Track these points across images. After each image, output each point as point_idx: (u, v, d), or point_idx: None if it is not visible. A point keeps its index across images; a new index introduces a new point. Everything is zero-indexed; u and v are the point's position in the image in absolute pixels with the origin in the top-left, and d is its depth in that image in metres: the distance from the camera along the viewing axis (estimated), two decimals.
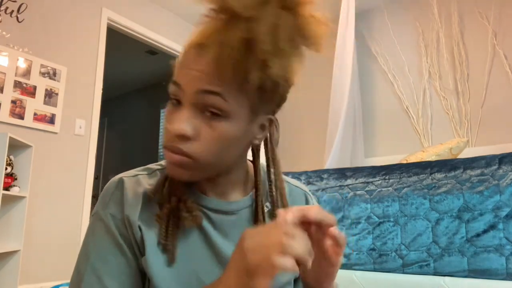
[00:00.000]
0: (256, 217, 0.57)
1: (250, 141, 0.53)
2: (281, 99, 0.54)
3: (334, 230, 0.46)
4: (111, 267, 0.51)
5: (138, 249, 0.52)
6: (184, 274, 0.52)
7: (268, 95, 0.50)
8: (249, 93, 0.47)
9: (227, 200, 0.57)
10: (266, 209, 0.59)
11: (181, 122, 0.47)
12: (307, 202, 0.65)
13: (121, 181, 0.55)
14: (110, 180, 0.57)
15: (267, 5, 0.44)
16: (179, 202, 0.53)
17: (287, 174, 1.82)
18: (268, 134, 0.57)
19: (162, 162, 0.59)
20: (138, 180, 0.56)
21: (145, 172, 0.58)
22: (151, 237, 0.52)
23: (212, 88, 0.46)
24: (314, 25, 0.48)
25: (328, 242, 0.47)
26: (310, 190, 0.69)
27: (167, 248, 0.51)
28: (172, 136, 0.48)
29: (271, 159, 0.58)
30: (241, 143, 0.52)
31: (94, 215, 0.55)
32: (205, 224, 0.55)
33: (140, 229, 0.52)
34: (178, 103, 0.49)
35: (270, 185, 0.58)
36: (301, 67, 0.50)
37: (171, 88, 0.49)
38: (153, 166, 0.60)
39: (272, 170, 0.58)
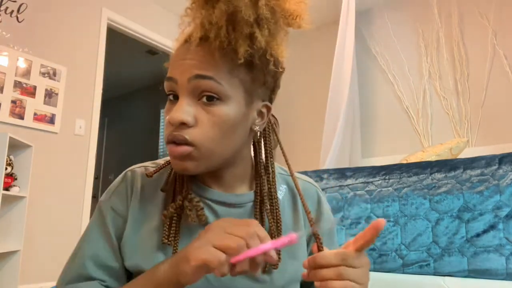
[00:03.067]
0: (258, 212, 0.56)
1: (250, 128, 0.53)
2: (274, 84, 0.54)
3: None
4: (97, 255, 0.55)
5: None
6: None
7: (260, 75, 0.50)
8: (240, 74, 0.49)
9: (232, 193, 0.57)
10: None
11: (179, 111, 0.47)
12: (318, 198, 0.64)
13: (127, 174, 0.59)
14: (124, 172, 0.61)
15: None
16: (184, 200, 0.53)
17: None
18: (269, 125, 0.58)
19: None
20: (143, 172, 0.59)
21: (154, 165, 0.60)
22: (150, 229, 0.54)
23: (204, 72, 0.47)
24: (291, 2, 0.48)
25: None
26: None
27: (169, 245, 0.52)
28: (173, 127, 0.48)
29: (269, 152, 0.57)
30: (241, 127, 0.51)
31: (98, 204, 0.59)
32: (209, 215, 0.55)
33: (134, 221, 0.55)
34: (175, 97, 0.50)
35: (268, 180, 0.57)
36: (287, 47, 0.51)
37: (166, 85, 0.50)
38: (160, 161, 0.62)
39: (269, 164, 0.57)
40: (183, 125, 0.48)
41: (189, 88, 0.48)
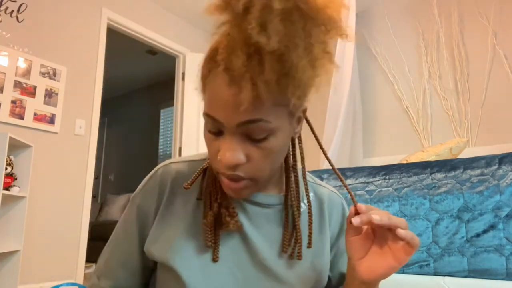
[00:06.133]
0: (286, 215, 0.57)
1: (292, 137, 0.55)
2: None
3: (406, 233, 0.47)
4: (117, 251, 0.60)
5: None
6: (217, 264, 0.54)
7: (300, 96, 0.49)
8: (283, 100, 0.47)
9: (263, 193, 0.58)
10: (302, 208, 0.60)
11: (232, 152, 0.47)
12: (343, 210, 0.66)
13: (157, 171, 0.60)
14: (155, 168, 0.62)
15: (293, 28, 0.41)
16: (220, 208, 0.54)
17: None
18: (307, 123, 0.59)
19: (201, 154, 0.64)
20: (174, 169, 0.60)
21: (186, 162, 0.61)
22: (181, 229, 0.56)
23: (253, 117, 0.45)
24: (328, 16, 0.44)
25: (401, 243, 0.48)
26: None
27: (212, 248, 0.54)
28: (227, 167, 0.48)
29: (301, 153, 0.59)
30: (286, 145, 0.52)
31: (130, 198, 0.62)
32: (239, 214, 0.56)
33: (163, 219, 0.57)
34: (218, 131, 0.49)
35: (297, 182, 0.59)
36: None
37: (208, 120, 0.49)
38: (189, 156, 0.63)
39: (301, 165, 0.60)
40: (237, 165, 0.48)
41: (238, 131, 0.47)
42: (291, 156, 0.58)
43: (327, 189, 0.66)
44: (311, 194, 0.62)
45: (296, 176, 0.58)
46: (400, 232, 0.47)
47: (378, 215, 0.47)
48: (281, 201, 0.58)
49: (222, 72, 0.44)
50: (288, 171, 0.58)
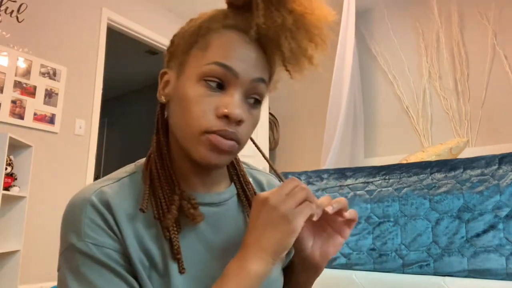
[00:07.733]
0: (248, 202, 0.58)
1: None
2: None
3: (350, 213, 0.52)
4: None
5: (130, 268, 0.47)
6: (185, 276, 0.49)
7: None
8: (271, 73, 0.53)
9: (215, 192, 0.56)
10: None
11: (240, 108, 0.46)
12: None
13: (92, 200, 0.47)
14: (71, 204, 0.50)
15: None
16: (181, 200, 0.49)
17: (286, 174, 1.81)
18: None
19: (127, 169, 0.56)
20: (110, 193, 0.49)
21: (110, 182, 0.51)
22: (145, 250, 0.48)
23: (265, 76, 0.49)
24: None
25: (340, 219, 0.52)
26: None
27: (178, 258, 0.48)
28: (225, 122, 0.46)
29: None
30: None
31: (67, 249, 0.46)
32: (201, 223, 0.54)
33: (133, 244, 0.47)
34: (219, 86, 0.47)
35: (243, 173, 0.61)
36: None
37: (218, 70, 0.46)
38: (115, 175, 0.53)
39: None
40: (240, 122, 0.47)
41: (248, 87, 0.48)
42: None
43: (264, 173, 0.68)
44: (250, 179, 0.62)
45: (239, 165, 0.60)
46: (347, 215, 0.51)
47: (330, 206, 0.49)
48: (232, 194, 0.57)
49: (241, 31, 0.48)
50: (238, 161, 0.60)
